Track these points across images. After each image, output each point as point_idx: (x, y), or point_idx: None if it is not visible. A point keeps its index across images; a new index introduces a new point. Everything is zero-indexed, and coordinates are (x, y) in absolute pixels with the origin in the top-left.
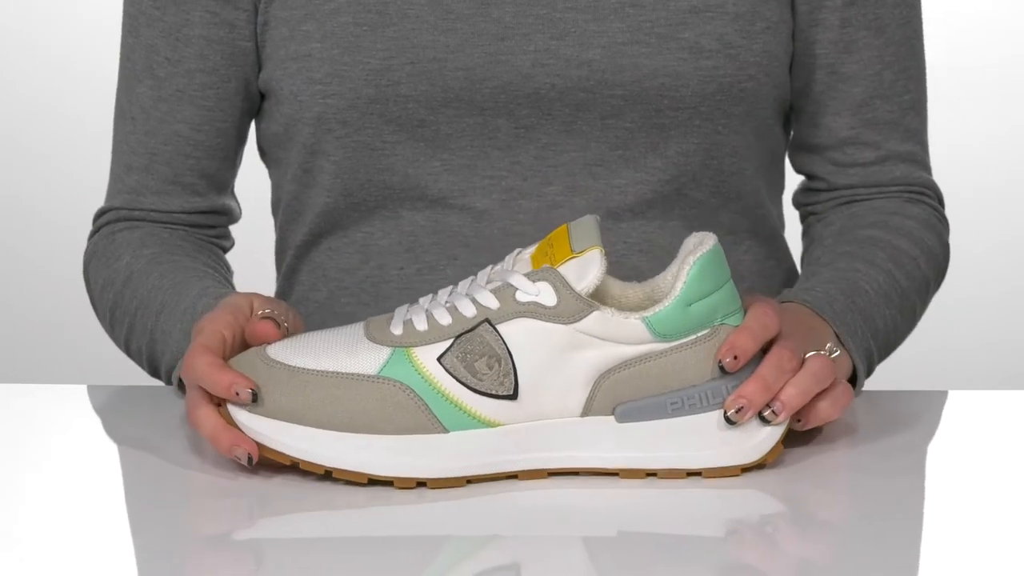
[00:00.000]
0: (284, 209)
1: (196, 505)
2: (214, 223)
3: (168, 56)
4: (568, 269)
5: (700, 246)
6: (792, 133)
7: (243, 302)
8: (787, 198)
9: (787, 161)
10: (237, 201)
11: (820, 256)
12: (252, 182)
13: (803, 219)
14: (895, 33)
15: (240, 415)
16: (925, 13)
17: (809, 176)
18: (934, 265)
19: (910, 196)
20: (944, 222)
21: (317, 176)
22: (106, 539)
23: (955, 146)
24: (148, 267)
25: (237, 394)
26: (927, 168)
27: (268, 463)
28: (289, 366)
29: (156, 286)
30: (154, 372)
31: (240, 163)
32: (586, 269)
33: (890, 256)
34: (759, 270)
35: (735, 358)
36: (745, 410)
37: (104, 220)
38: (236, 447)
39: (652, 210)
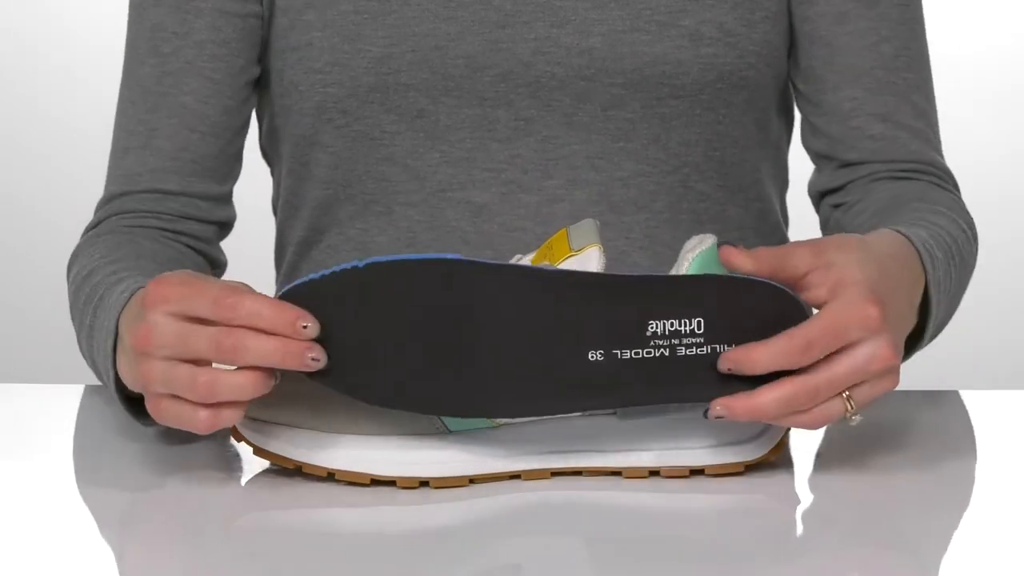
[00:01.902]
0: (282, 205)
1: (197, 506)
2: (208, 216)
3: (176, 30)
4: (566, 266)
5: (699, 245)
6: (800, 121)
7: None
8: (791, 197)
9: (790, 157)
10: (234, 209)
11: (873, 219)
12: (252, 183)
13: (823, 215)
14: (890, 10)
15: (242, 421)
16: (932, 9)
17: (821, 156)
18: (975, 247)
19: (930, 181)
20: (962, 214)
21: (314, 169)
22: (105, 539)
23: (957, 144)
24: (105, 264)
25: (305, 327)
26: (940, 154)
27: (271, 467)
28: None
29: (99, 281)
30: (94, 367)
31: (241, 161)
32: (584, 266)
33: (947, 225)
34: None
35: (728, 369)
36: (726, 418)
37: (102, 213)
38: (309, 352)
39: (658, 203)
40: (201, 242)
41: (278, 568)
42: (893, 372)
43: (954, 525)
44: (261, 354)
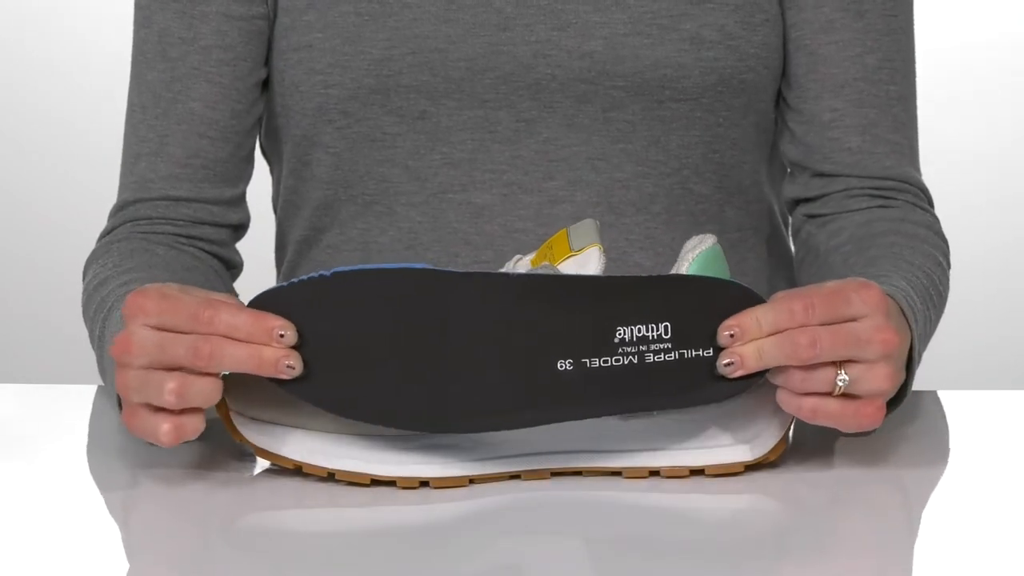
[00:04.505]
0: (282, 204)
1: (198, 506)
2: (221, 219)
3: (182, 36)
4: (567, 267)
5: (700, 245)
6: (780, 126)
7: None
8: None
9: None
10: (248, 210)
11: (847, 260)
12: (253, 181)
13: (796, 223)
14: (877, 21)
15: (241, 420)
16: (924, 8)
17: (795, 164)
18: (948, 273)
19: (905, 200)
20: (938, 232)
21: (315, 169)
22: (107, 539)
23: (952, 143)
24: (117, 275)
25: (282, 335)
26: (917, 168)
27: (271, 467)
28: None
29: (112, 292)
30: (101, 373)
31: (253, 162)
32: (585, 266)
33: (924, 262)
34: (763, 267)
35: (731, 335)
36: (735, 367)
37: (116, 220)
38: (285, 359)
39: (656, 205)
40: (216, 245)
41: (278, 568)
42: (889, 362)
43: (952, 525)
44: (238, 360)
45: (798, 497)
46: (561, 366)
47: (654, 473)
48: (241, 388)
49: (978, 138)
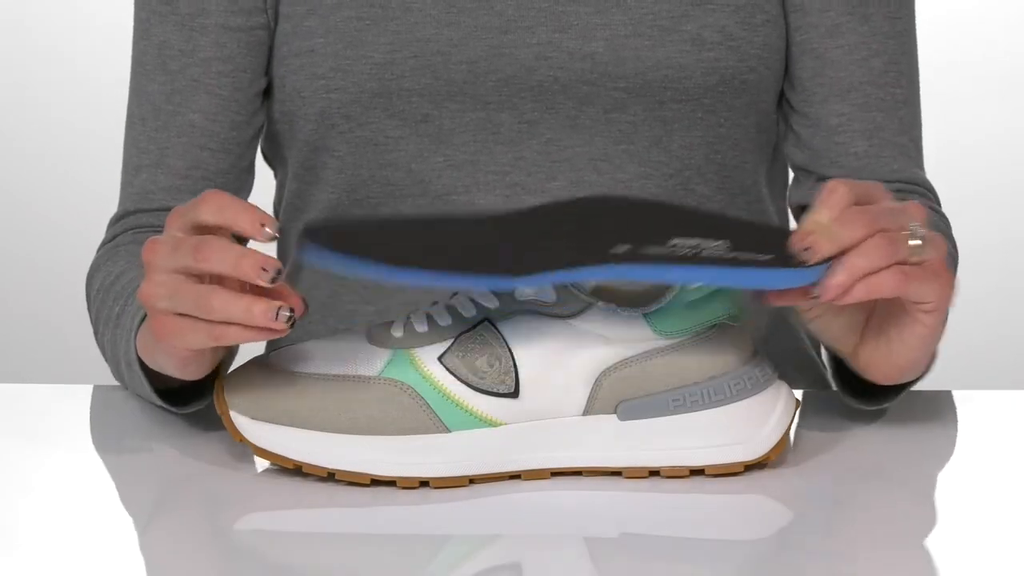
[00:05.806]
0: (286, 207)
1: (198, 505)
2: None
3: (181, 48)
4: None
5: None
6: (785, 130)
7: None
8: None
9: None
10: None
11: None
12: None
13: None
14: (882, 24)
15: (241, 420)
16: (924, 8)
17: (800, 168)
18: (955, 267)
19: (912, 199)
20: (948, 224)
21: (321, 173)
22: (107, 539)
23: (955, 142)
24: (134, 267)
25: (263, 226)
26: (922, 167)
27: (271, 467)
28: (290, 371)
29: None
30: (115, 361)
31: (254, 173)
32: None
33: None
34: None
35: (807, 249)
36: (814, 251)
37: (117, 229)
38: (264, 265)
39: None
40: None
41: (278, 568)
42: (943, 273)
43: (953, 525)
44: (225, 261)
45: (798, 497)
46: (617, 249)
47: (654, 473)
48: (241, 388)
49: (977, 138)
